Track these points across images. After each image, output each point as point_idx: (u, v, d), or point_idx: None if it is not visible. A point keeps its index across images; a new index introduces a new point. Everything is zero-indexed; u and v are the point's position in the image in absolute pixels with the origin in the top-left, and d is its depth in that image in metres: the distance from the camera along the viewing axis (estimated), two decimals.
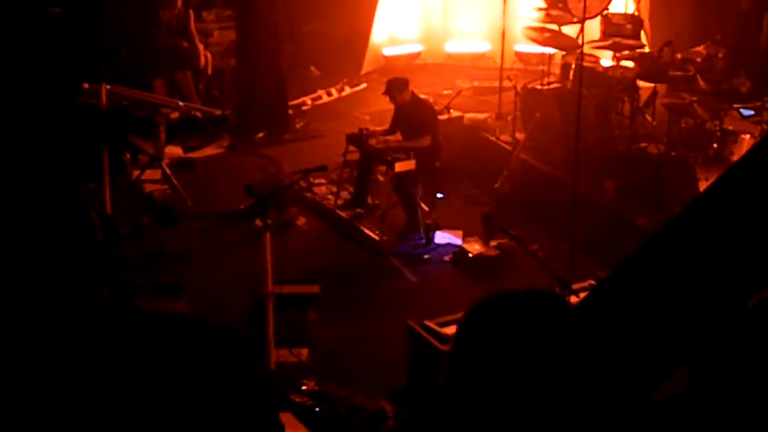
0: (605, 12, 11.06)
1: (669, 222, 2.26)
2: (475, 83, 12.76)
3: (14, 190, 6.53)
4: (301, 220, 9.71)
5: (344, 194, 10.10)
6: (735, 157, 8.47)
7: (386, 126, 9.95)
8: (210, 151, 11.40)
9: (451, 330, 6.44)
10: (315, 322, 7.77)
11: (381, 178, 10.19)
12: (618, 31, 10.75)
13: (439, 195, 9.87)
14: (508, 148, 10.49)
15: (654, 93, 10.12)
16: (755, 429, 2.85)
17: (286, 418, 6.16)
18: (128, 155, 10.53)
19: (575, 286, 6.77)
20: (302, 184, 9.82)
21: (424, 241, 9.36)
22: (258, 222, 7.80)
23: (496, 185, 10.11)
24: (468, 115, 11.29)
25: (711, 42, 10.61)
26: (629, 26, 10.86)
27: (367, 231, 9.49)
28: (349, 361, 7.46)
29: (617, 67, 10.38)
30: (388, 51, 13.86)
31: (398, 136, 9.69)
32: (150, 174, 10.34)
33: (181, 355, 1.85)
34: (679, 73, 10.25)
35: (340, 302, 8.16)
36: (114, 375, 1.82)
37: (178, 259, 8.58)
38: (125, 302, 7.47)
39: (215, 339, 1.90)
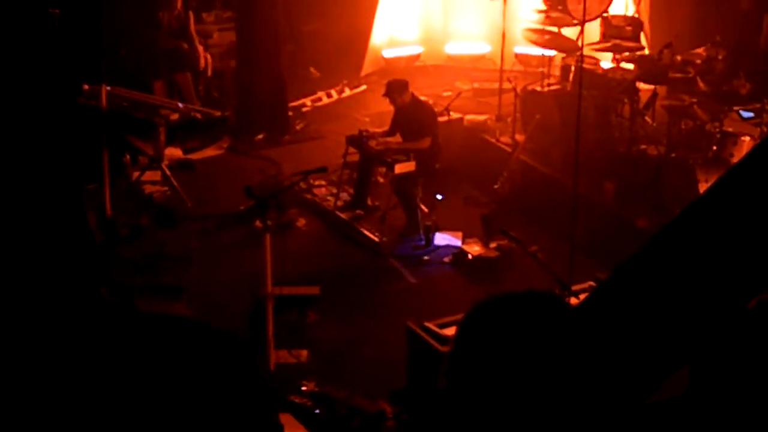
0: (605, 14, 11.06)
1: (669, 223, 2.26)
2: (475, 85, 12.76)
3: (13, 191, 6.52)
4: (301, 222, 9.71)
5: (344, 196, 10.10)
6: (735, 159, 8.48)
7: (386, 128, 9.95)
8: (210, 152, 11.40)
9: (450, 331, 6.44)
10: (315, 324, 7.77)
11: (381, 180, 10.19)
12: (618, 33, 10.76)
13: (438, 196, 9.87)
14: (508, 149, 10.49)
15: (654, 95, 10.12)
16: (755, 431, 2.85)
17: (286, 419, 6.17)
18: (128, 156, 10.53)
19: (575, 288, 6.78)
20: (302, 185, 9.82)
21: (423, 242, 9.36)
22: (258, 223, 7.79)
23: (496, 186, 10.11)
24: (468, 117, 11.29)
25: (711, 44, 10.61)
26: (629, 28, 10.86)
27: (366, 232, 9.50)
28: (348, 363, 7.46)
29: (617, 68, 10.39)
30: (388, 53, 13.86)
31: (398, 138, 9.70)
32: (150, 175, 10.34)
33: (180, 357, 1.85)
34: (678, 75, 10.25)
35: (339, 303, 8.16)
36: (113, 377, 1.82)
37: (178, 261, 8.58)
38: (125, 303, 7.47)
39: (215, 342, 1.90)
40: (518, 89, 10.92)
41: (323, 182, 10.42)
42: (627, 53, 10.43)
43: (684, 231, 2.22)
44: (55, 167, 7.11)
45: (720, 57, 10.55)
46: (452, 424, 1.97)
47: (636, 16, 11.51)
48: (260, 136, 11.64)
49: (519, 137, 10.60)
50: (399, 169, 9.28)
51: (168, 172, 10.18)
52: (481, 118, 11.41)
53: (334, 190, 10.17)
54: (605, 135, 9.97)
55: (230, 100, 12.20)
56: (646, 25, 11.75)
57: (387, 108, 10.11)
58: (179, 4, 11.95)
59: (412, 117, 9.61)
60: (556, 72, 11.17)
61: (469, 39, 13.93)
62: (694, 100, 9.47)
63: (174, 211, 9.70)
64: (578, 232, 7.65)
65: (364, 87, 13.18)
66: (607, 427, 2.07)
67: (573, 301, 6.20)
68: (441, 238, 9.41)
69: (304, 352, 7.48)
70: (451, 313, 6.63)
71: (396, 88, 9.70)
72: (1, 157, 6.62)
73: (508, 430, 1.91)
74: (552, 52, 11.28)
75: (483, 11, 13.25)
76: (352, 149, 9.96)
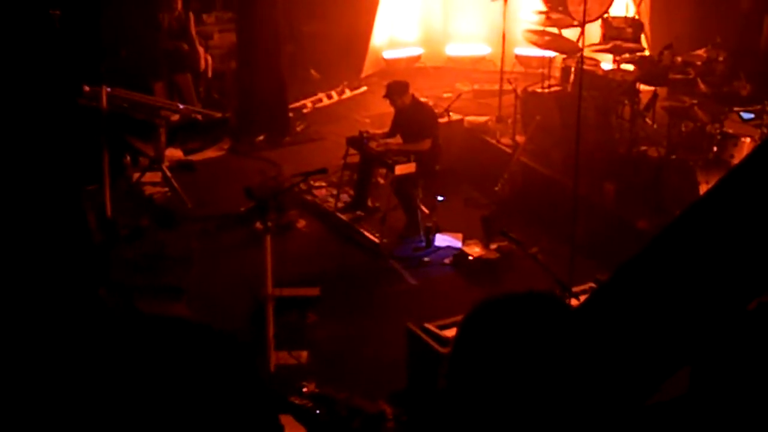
0: (605, 15, 11.06)
1: (669, 225, 2.26)
2: (476, 86, 12.77)
3: (14, 192, 6.53)
4: (302, 223, 9.71)
5: (344, 197, 10.10)
6: (735, 161, 8.47)
7: (386, 129, 9.95)
8: (210, 153, 11.41)
9: (450, 333, 6.44)
10: (315, 325, 7.76)
11: (381, 181, 10.19)
12: (618, 35, 10.75)
13: (439, 198, 9.87)
14: (509, 151, 10.49)
15: (654, 96, 10.12)
16: None
17: (286, 420, 6.16)
18: (128, 158, 10.53)
19: (575, 289, 6.77)
20: (302, 186, 9.82)
21: (424, 243, 9.36)
22: (258, 224, 7.80)
23: (496, 188, 10.11)
24: (468, 118, 11.29)
25: (711, 45, 10.60)
26: (629, 29, 10.86)
27: (367, 234, 9.50)
28: (348, 364, 7.46)
29: (617, 70, 10.39)
30: (389, 54, 13.87)
31: (398, 139, 9.70)
32: (150, 176, 10.34)
33: (180, 358, 1.85)
34: (679, 76, 10.25)
35: (340, 305, 8.16)
36: (113, 378, 1.82)
37: (179, 262, 8.58)
38: (125, 304, 7.47)
39: (215, 343, 1.90)
40: (518, 90, 10.92)
41: (323, 183, 10.42)
42: (627, 54, 10.43)
43: (684, 232, 2.22)
44: (56, 168, 7.12)
45: (720, 58, 10.54)
46: (452, 425, 1.97)
47: (636, 17, 11.51)
48: (260, 138, 11.65)
49: (519, 138, 10.60)
50: (399, 170, 9.27)
51: (168, 173, 10.19)
52: (482, 119, 11.41)
53: (335, 192, 10.17)
54: (605, 136, 9.96)
55: (231, 102, 12.21)
56: (647, 27, 11.75)
57: (387, 109, 10.11)
58: (179, 6, 11.96)
59: (413, 118, 9.61)
60: (557, 73, 11.17)
61: (470, 40, 13.93)
62: (695, 101, 9.46)
63: (174, 212, 9.70)
64: (578, 234, 7.65)
65: (364, 88, 13.19)
66: (607, 428, 2.07)
67: (573, 302, 6.20)
68: (441, 240, 9.41)
69: (305, 353, 7.48)
70: (452, 315, 6.63)
71: (396, 90, 9.70)
72: (1, 157, 6.62)
73: (508, 431, 1.91)
74: (552, 54, 11.27)
75: (483, 12, 13.26)
76: (352, 150, 9.96)
